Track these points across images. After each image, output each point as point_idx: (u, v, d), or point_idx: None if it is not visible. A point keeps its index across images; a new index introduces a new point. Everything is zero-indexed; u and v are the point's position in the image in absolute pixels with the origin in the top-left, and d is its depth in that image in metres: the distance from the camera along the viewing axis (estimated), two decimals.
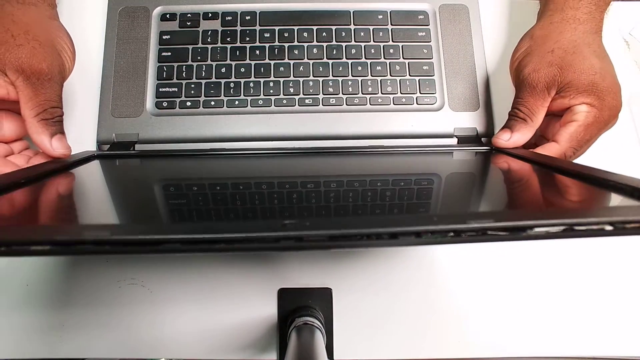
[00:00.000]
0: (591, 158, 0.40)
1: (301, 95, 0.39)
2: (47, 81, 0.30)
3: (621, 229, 0.16)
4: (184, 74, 0.39)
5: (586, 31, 0.34)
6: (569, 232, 0.16)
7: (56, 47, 0.32)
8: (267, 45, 0.40)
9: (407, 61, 0.40)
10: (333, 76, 0.40)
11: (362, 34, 0.40)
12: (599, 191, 0.22)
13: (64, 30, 0.34)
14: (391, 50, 0.40)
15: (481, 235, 0.16)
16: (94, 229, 0.16)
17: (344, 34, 0.40)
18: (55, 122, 0.31)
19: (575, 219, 0.16)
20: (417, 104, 0.39)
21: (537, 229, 0.16)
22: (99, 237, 0.15)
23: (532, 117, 0.35)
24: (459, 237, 0.16)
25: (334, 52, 0.40)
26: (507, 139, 0.35)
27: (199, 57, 0.39)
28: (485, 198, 0.24)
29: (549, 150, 0.34)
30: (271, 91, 0.39)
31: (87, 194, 0.27)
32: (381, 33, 0.40)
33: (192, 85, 0.39)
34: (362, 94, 0.39)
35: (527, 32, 0.37)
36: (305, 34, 0.40)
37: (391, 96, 0.39)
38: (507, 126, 0.36)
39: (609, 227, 0.16)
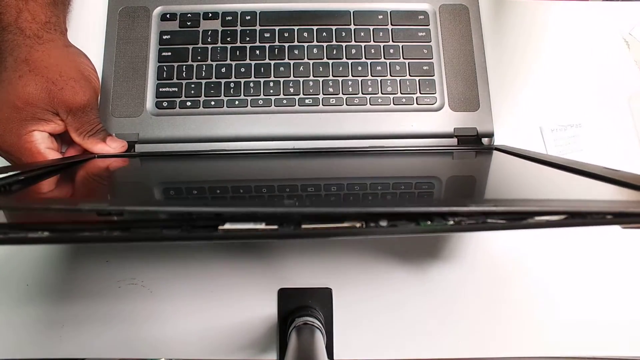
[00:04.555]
0: (591, 157, 0.40)
1: (301, 95, 0.39)
2: (88, 110, 0.35)
3: (622, 217, 0.16)
4: (184, 74, 0.39)
5: None
6: (570, 220, 0.16)
7: (85, 75, 0.35)
8: (267, 45, 0.40)
9: (407, 61, 0.40)
10: (333, 76, 0.39)
11: (362, 34, 0.40)
12: (601, 187, 0.22)
13: (81, 53, 0.36)
14: (391, 50, 0.40)
15: (481, 224, 0.16)
16: (91, 204, 0.15)
17: (344, 34, 0.40)
18: (100, 132, 0.36)
19: (577, 208, 0.16)
20: (417, 104, 0.39)
21: (538, 217, 0.16)
22: (96, 207, 0.14)
23: None
24: (458, 225, 0.16)
25: (334, 52, 0.40)
26: None
27: (199, 57, 0.39)
28: (488, 197, 0.24)
29: None
30: (271, 91, 0.39)
31: (85, 195, 0.27)
32: (381, 33, 0.40)
33: (192, 85, 0.39)
34: (362, 94, 0.39)
35: None
36: (305, 34, 0.40)
37: (391, 96, 0.39)
38: None
39: (609, 216, 0.16)
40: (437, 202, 0.15)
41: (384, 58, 0.40)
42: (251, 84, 0.39)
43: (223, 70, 0.39)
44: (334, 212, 0.15)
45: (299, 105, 0.39)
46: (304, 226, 0.15)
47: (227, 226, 0.15)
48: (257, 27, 0.40)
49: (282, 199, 0.16)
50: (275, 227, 0.15)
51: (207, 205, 0.15)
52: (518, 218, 0.16)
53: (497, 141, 0.40)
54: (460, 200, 0.16)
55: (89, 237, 0.15)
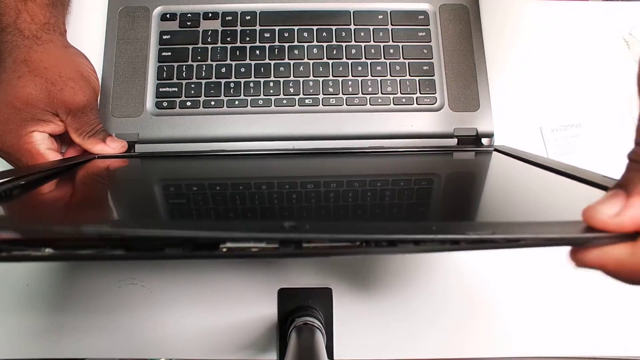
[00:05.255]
0: (591, 158, 0.40)
1: (301, 95, 0.39)
2: (87, 110, 0.35)
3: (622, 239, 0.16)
4: (184, 74, 0.39)
5: None
6: (567, 243, 0.17)
7: (84, 75, 0.35)
8: (267, 45, 0.40)
9: (407, 61, 0.40)
10: (333, 76, 0.39)
11: (362, 34, 0.40)
12: (600, 194, 0.22)
13: (80, 54, 0.36)
14: (391, 50, 0.40)
15: (478, 243, 0.16)
16: (94, 225, 0.15)
17: (344, 34, 0.40)
18: (100, 132, 0.36)
19: (573, 234, 0.16)
20: (417, 104, 0.39)
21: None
22: (98, 231, 0.15)
23: None
24: (457, 244, 0.16)
25: (334, 52, 0.40)
26: (613, 213, 0.16)
27: (199, 57, 0.39)
28: (485, 200, 0.24)
29: None
30: (271, 91, 0.39)
31: (86, 196, 0.27)
32: (381, 33, 0.40)
33: (192, 85, 0.39)
34: (362, 94, 0.39)
35: None
36: (305, 34, 0.40)
37: (391, 96, 0.39)
38: (623, 184, 0.18)
39: (610, 240, 0.16)
40: (436, 229, 0.16)
41: (384, 58, 0.40)
42: (251, 84, 0.39)
43: (223, 70, 0.39)
44: (333, 238, 0.16)
45: (299, 105, 0.39)
46: (304, 245, 0.16)
47: (229, 245, 0.16)
48: (257, 27, 0.40)
49: (283, 217, 0.16)
50: (275, 246, 0.16)
51: (207, 229, 0.15)
52: (516, 240, 0.16)
53: (497, 141, 0.40)
54: (459, 226, 0.17)
55: (91, 255, 0.15)
